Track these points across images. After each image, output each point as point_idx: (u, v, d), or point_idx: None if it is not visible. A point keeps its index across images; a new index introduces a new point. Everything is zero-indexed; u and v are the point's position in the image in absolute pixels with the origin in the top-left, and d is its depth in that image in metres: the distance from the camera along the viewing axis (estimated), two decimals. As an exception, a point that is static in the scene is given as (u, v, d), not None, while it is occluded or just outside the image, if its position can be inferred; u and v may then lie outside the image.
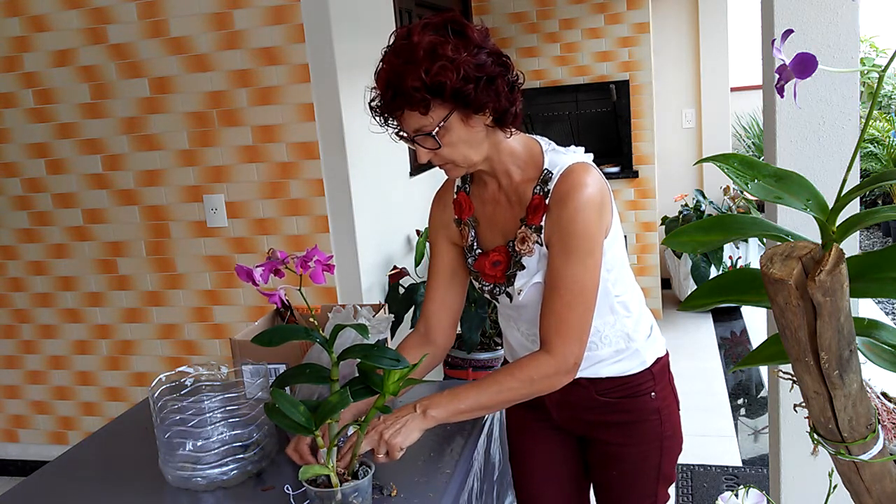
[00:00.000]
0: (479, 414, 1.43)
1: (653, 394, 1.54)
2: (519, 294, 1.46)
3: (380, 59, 1.32)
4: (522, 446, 1.68)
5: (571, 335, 1.37)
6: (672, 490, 2.91)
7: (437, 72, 1.25)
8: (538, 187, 1.42)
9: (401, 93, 1.27)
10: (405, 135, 1.35)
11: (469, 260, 1.55)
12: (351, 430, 1.44)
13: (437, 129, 1.31)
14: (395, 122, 1.35)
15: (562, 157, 1.42)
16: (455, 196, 1.57)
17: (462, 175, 1.45)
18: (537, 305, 1.46)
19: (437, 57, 1.25)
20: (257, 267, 1.22)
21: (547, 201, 1.40)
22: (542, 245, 1.43)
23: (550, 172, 1.41)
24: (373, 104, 1.35)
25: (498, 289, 1.51)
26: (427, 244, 3.33)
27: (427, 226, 3.37)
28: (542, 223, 1.41)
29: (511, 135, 1.41)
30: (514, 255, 1.46)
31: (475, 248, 1.53)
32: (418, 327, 1.63)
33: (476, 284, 1.56)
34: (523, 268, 1.45)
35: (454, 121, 1.31)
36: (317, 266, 1.22)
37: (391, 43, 1.31)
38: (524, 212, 1.44)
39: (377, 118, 1.36)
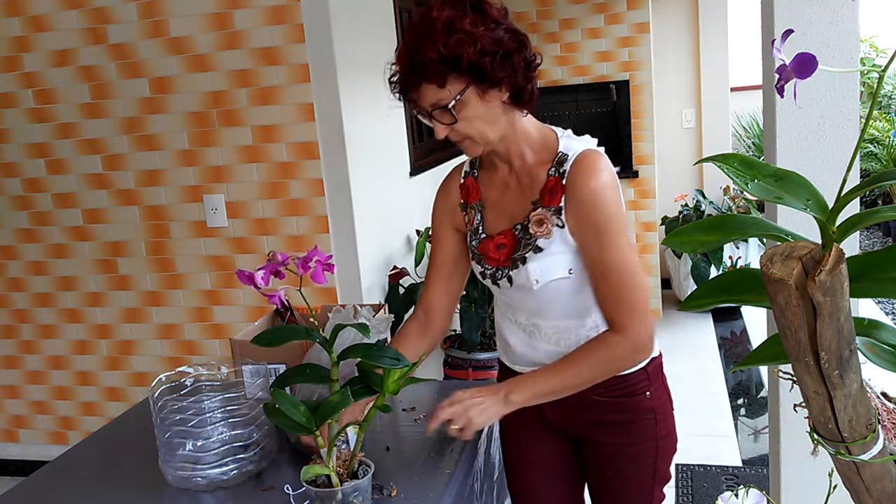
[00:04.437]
0: (556, 397, 1.45)
1: (648, 393, 1.54)
2: (536, 283, 1.44)
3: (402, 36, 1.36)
4: (517, 448, 1.67)
5: (636, 314, 1.40)
6: (671, 490, 2.91)
7: (454, 44, 1.28)
8: (553, 169, 1.43)
9: (419, 66, 1.30)
10: (423, 109, 1.37)
11: (473, 243, 1.54)
12: (351, 431, 1.44)
13: (453, 102, 1.32)
14: (415, 98, 1.37)
15: (576, 143, 1.45)
16: (462, 181, 1.58)
17: (480, 153, 1.45)
18: (544, 294, 1.45)
19: (455, 30, 1.28)
20: (258, 270, 1.22)
21: (563, 182, 1.41)
22: (562, 227, 1.42)
23: (566, 155, 1.42)
24: (392, 79, 1.38)
25: (500, 272, 1.50)
26: (427, 244, 3.33)
27: (427, 225, 3.38)
28: (562, 204, 1.41)
29: (526, 114, 1.43)
30: (526, 237, 1.45)
31: (480, 231, 1.53)
32: (417, 314, 1.63)
33: (477, 269, 1.55)
34: (540, 250, 1.44)
35: (470, 95, 1.33)
36: (317, 266, 1.22)
37: (412, 19, 1.34)
38: (537, 194, 1.45)
39: (396, 94, 1.39)
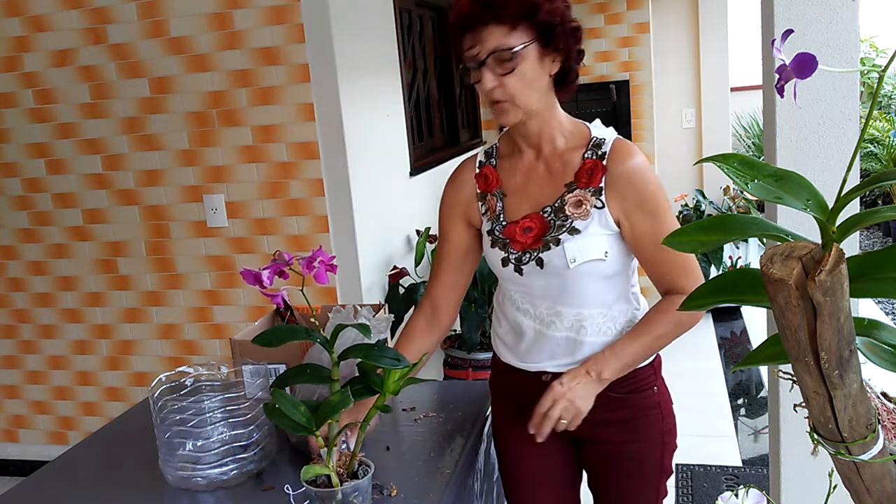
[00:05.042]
0: (637, 365, 1.49)
1: (655, 388, 1.55)
2: (573, 262, 1.43)
3: None
4: (515, 456, 1.64)
5: (693, 276, 1.46)
6: (671, 490, 2.91)
7: (535, 3, 1.34)
8: (590, 152, 1.46)
9: (495, 4, 1.33)
10: (477, 56, 1.37)
11: (496, 229, 1.52)
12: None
13: (520, 47, 1.35)
14: (473, 42, 1.37)
15: (608, 131, 1.49)
16: (478, 171, 1.57)
17: (515, 121, 1.44)
18: (576, 277, 1.45)
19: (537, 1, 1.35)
20: (264, 269, 1.22)
21: (604, 162, 1.43)
22: (601, 207, 1.43)
23: (602, 139, 1.46)
24: (454, 20, 1.39)
25: (528, 255, 1.48)
26: (427, 244, 3.33)
27: (427, 225, 3.38)
28: (602, 185, 1.43)
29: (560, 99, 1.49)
30: (560, 219, 1.45)
31: (502, 219, 1.52)
32: (424, 308, 1.63)
33: (499, 256, 1.51)
34: (576, 231, 1.44)
35: (531, 51, 1.37)
36: (321, 266, 1.22)
37: None
38: (571, 177, 1.46)
39: (455, 36, 1.40)
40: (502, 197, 1.53)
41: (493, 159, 1.57)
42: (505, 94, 1.39)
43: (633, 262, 1.52)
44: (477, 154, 1.61)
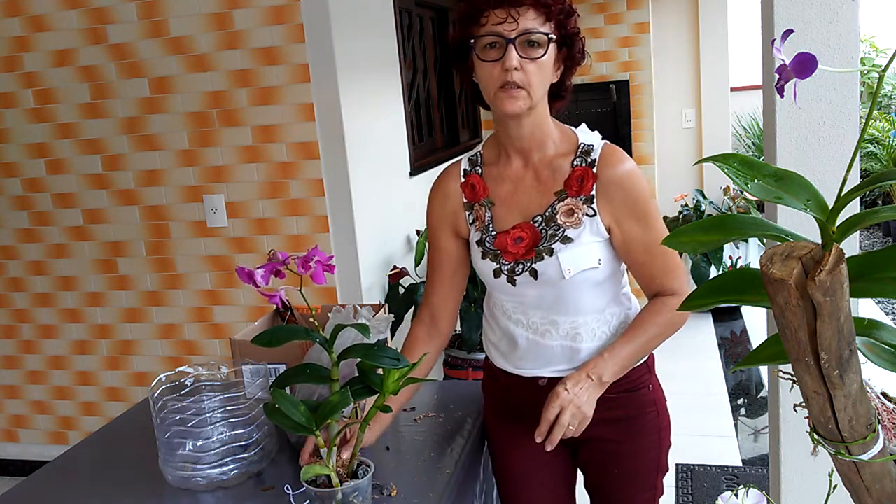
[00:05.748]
0: (633, 366, 1.49)
1: (650, 386, 1.55)
2: (568, 272, 1.42)
3: None
4: (509, 458, 1.63)
5: (683, 276, 1.49)
6: (671, 490, 2.91)
7: (571, 9, 1.42)
8: (578, 160, 1.45)
9: None
10: (507, 33, 1.34)
11: (487, 240, 1.50)
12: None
13: (553, 36, 1.38)
14: (503, 17, 1.35)
15: (595, 136, 1.49)
16: (463, 180, 1.55)
17: (520, 111, 1.40)
18: (570, 286, 1.44)
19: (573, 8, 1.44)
20: (258, 268, 1.21)
21: (594, 170, 1.43)
22: (593, 215, 1.43)
23: (590, 146, 1.45)
24: None
25: (521, 266, 1.46)
26: (427, 244, 3.33)
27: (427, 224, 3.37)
28: (593, 192, 1.43)
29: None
30: (552, 228, 1.44)
31: (491, 228, 1.50)
32: (422, 318, 1.62)
33: (490, 267, 1.50)
34: (569, 240, 1.43)
35: (552, 49, 1.39)
36: (317, 266, 1.22)
37: None
38: (560, 185, 1.45)
39: (483, 5, 1.37)
40: (490, 206, 1.51)
41: (478, 167, 1.54)
42: (523, 80, 1.37)
43: (623, 265, 1.52)
44: (460, 162, 1.58)
